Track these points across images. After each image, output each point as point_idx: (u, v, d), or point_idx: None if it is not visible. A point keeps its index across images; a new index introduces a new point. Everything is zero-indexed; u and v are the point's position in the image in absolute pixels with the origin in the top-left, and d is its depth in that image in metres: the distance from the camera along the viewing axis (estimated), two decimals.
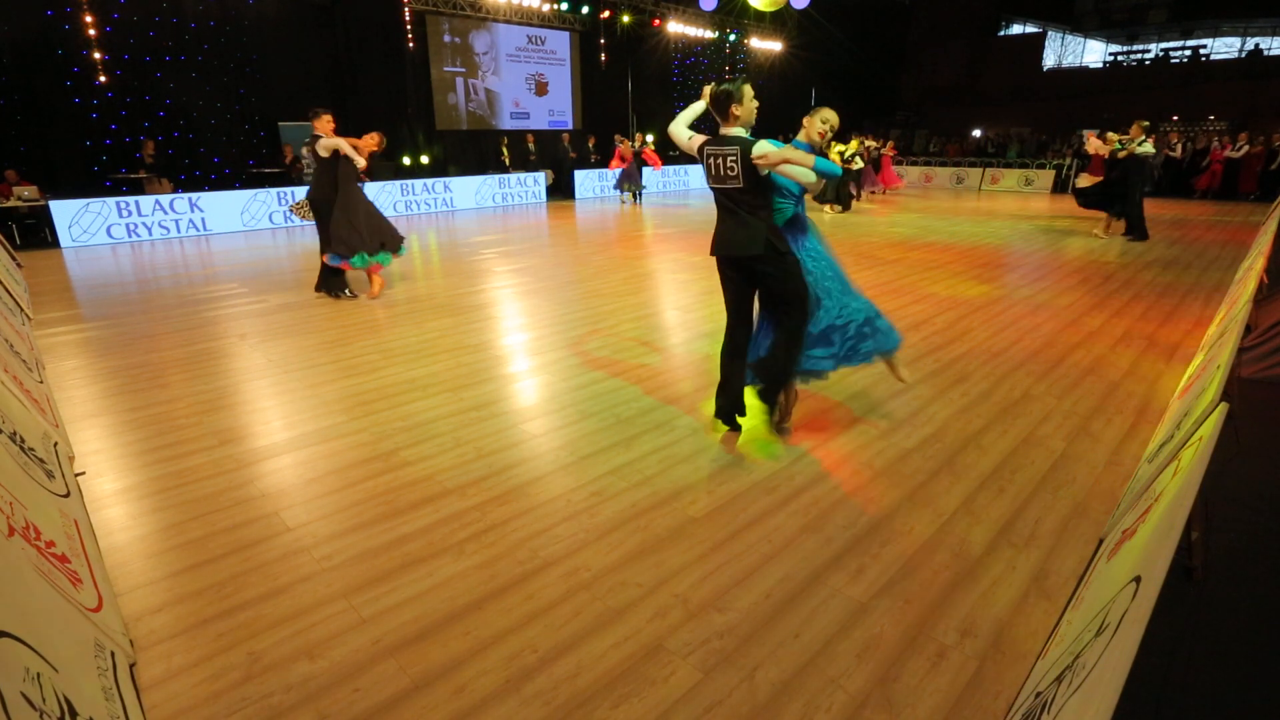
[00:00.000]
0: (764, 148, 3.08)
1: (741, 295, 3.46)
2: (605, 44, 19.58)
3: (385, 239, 6.66)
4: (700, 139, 3.34)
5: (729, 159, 3.17)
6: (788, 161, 3.05)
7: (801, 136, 3.54)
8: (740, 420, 3.65)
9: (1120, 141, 9.81)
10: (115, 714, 1.69)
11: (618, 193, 16.72)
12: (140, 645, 2.18)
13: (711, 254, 3.45)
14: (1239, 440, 2.91)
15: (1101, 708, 0.92)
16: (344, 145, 6.21)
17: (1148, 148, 9.58)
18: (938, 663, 2.08)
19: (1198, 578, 2.15)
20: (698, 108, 3.50)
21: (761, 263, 3.27)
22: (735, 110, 3.18)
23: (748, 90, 3.21)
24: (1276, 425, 3.63)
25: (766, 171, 3.17)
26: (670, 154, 21.20)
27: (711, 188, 3.35)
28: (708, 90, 3.47)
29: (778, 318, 3.45)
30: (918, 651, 2.13)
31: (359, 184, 6.55)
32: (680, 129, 3.44)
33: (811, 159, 3.07)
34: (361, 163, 6.34)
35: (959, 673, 2.04)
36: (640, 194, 16.37)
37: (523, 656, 2.12)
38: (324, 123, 6.31)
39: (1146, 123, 9.82)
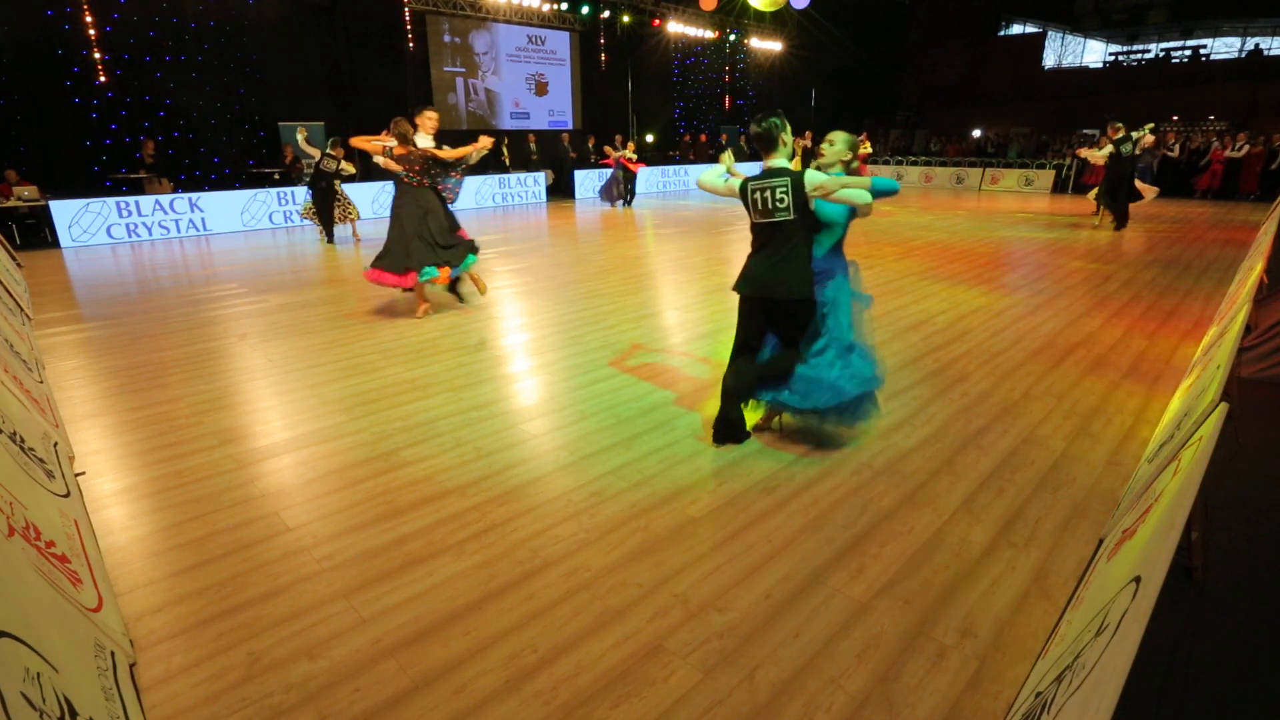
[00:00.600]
0: (818, 177, 3.11)
1: (761, 332, 3.45)
2: (605, 44, 19.59)
3: (424, 259, 5.98)
4: (738, 179, 3.36)
5: (778, 190, 3.17)
6: (844, 187, 3.08)
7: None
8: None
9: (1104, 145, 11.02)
10: (115, 714, 1.69)
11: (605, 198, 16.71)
12: (140, 645, 2.18)
13: (743, 292, 3.39)
14: (1239, 440, 2.92)
15: (1101, 708, 0.92)
16: (367, 148, 5.72)
17: (1105, 151, 10.72)
18: (938, 663, 2.08)
19: (1198, 578, 2.15)
20: (718, 169, 3.49)
21: (800, 307, 3.29)
22: (783, 138, 3.21)
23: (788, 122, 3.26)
24: (1276, 425, 3.63)
25: (815, 201, 3.19)
26: (670, 154, 21.20)
27: (755, 223, 3.32)
28: (726, 157, 3.50)
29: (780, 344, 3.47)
30: (918, 651, 2.13)
31: (416, 192, 5.89)
32: (714, 178, 3.43)
33: (867, 180, 3.10)
34: (380, 161, 5.74)
35: (959, 673, 2.04)
36: (629, 200, 16.24)
37: (523, 656, 2.12)
38: (398, 124, 5.71)
39: (1119, 124, 10.73)
